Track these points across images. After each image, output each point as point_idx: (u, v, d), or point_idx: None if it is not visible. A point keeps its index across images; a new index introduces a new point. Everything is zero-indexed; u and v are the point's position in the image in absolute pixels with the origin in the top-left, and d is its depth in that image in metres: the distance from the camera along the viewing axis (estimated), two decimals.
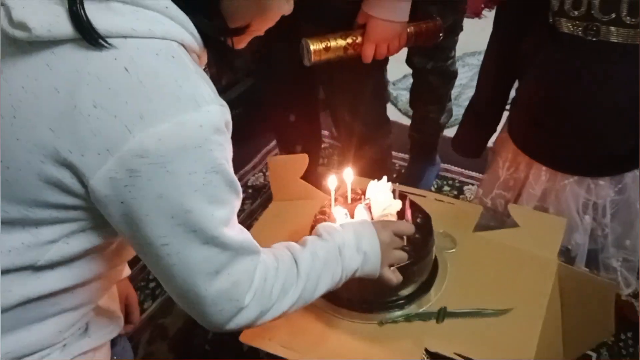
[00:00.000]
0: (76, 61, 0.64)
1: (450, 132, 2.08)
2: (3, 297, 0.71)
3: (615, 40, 1.07)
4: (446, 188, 2.15)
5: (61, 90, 0.64)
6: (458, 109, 2.18)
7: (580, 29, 1.09)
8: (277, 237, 1.18)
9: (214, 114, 0.67)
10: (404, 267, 0.99)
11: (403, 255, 0.97)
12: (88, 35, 0.63)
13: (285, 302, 0.81)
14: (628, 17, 1.05)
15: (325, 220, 1.05)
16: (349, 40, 1.33)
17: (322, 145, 2.21)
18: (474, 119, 1.43)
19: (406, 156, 2.21)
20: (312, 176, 1.36)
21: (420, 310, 1.03)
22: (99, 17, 0.64)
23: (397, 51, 1.40)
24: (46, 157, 0.65)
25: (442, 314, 1.01)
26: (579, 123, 1.19)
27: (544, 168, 1.29)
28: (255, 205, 2.18)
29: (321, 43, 1.30)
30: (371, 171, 1.67)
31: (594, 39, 1.09)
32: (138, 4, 0.66)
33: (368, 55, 1.35)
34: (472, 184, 2.13)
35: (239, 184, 0.73)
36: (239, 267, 0.74)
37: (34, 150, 0.65)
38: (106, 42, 0.63)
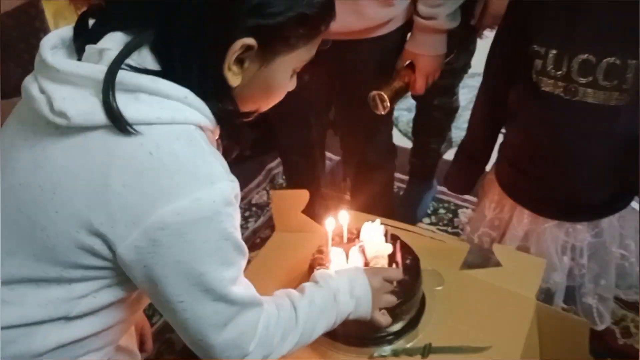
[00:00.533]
0: (108, 145, 0.73)
1: (449, 155, 2.17)
2: (40, 344, 0.80)
3: (592, 101, 1.15)
4: (441, 211, 2.22)
5: (95, 171, 0.73)
6: (456, 131, 2.25)
7: (560, 89, 1.17)
8: (279, 268, 1.30)
9: (225, 190, 0.76)
10: (393, 305, 1.07)
11: (392, 299, 1.06)
12: (118, 124, 0.72)
13: (286, 346, 0.91)
14: (604, 81, 1.13)
15: (322, 259, 1.16)
16: (406, 80, 1.49)
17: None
18: (464, 159, 1.51)
19: (404, 177, 2.26)
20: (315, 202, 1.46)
21: (408, 345, 1.11)
22: (128, 107, 0.73)
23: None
24: (81, 227, 0.74)
25: (427, 350, 1.09)
26: (558, 173, 1.27)
27: (526, 211, 1.37)
28: (258, 223, 2.24)
29: (388, 90, 1.45)
30: (375, 197, 1.78)
31: (573, 99, 1.17)
32: (161, 94, 0.74)
33: (422, 88, 1.51)
34: (467, 207, 2.19)
35: (245, 247, 0.83)
36: (245, 319, 0.84)
37: (71, 221, 0.74)
38: (134, 129, 0.72)
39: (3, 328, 0.78)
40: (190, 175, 0.74)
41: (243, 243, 0.82)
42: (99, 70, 0.73)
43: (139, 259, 0.74)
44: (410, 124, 2.24)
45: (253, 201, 2.34)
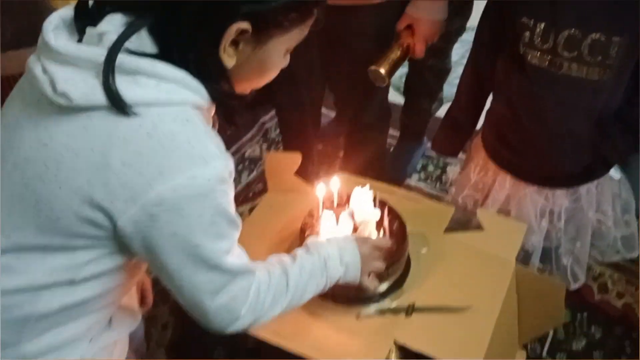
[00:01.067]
0: (108, 126, 0.77)
1: (440, 112, 2.17)
2: (45, 307, 0.86)
3: (576, 75, 1.19)
4: (430, 167, 2.27)
5: (96, 150, 0.77)
6: (447, 87, 2.24)
7: (546, 62, 1.21)
8: (271, 228, 1.35)
9: (219, 168, 0.80)
10: (381, 271, 1.13)
11: (380, 265, 1.12)
12: (117, 105, 0.75)
13: (276, 309, 0.97)
14: (589, 56, 1.16)
15: (313, 223, 1.21)
16: (405, 46, 1.49)
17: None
18: (451, 124, 1.55)
19: (395, 133, 2.27)
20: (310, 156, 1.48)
21: (393, 305, 1.17)
22: (127, 89, 0.76)
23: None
24: (83, 202, 0.78)
25: (410, 309, 1.15)
26: (540, 143, 1.32)
27: (508, 176, 1.43)
28: (251, 177, 2.27)
29: (386, 64, 1.46)
30: (367, 157, 1.82)
31: (558, 72, 1.20)
32: (159, 77, 0.77)
33: (422, 51, 1.51)
34: (455, 164, 2.24)
35: (239, 220, 0.88)
36: (237, 286, 0.90)
37: (74, 197, 0.78)
38: (132, 110, 0.76)
39: (11, 293, 0.83)
40: (186, 155, 0.77)
41: (236, 217, 0.87)
42: (99, 54, 0.76)
43: (137, 232, 0.79)
44: (403, 79, 2.25)
45: (246, 155, 2.36)
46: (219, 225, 0.83)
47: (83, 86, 0.76)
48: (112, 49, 0.76)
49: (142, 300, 1.22)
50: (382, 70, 1.46)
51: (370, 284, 1.12)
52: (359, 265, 1.07)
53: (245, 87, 0.91)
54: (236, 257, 0.89)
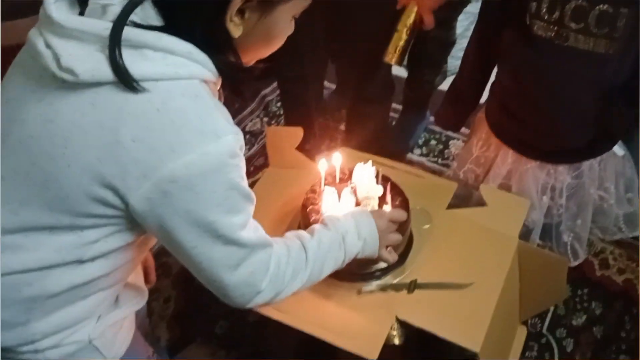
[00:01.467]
0: (116, 101, 0.75)
1: (443, 86, 2.13)
2: (55, 285, 0.85)
3: (582, 47, 1.17)
4: (433, 142, 2.25)
5: (105, 126, 0.75)
6: (451, 60, 2.20)
7: (552, 33, 1.19)
8: (272, 203, 1.34)
9: (230, 143, 0.79)
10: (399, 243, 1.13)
11: (397, 237, 1.12)
12: (125, 81, 0.74)
13: (296, 284, 0.97)
14: (595, 28, 1.14)
15: (315, 198, 1.20)
16: (409, 25, 1.45)
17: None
18: (455, 97, 1.53)
19: (398, 106, 2.26)
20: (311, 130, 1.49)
21: (395, 281, 1.17)
22: (134, 63, 0.74)
23: None
24: (93, 180, 0.77)
25: (412, 286, 1.15)
26: (543, 117, 1.31)
27: (510, 151, 1.41)
28: (253, 150, 2.26)
29: (395, 51, 1.45)
30: (369, 131, 1.80)
31: (564, 44, 1.18)
32: (166, 50, 0.76)
33: (431, 21, 1.46)
34: (457, 139, 2.22)
35: (252, 194, 0.87)
36: (255, 259, 0.89)
37: (83, 175, 0.77)
38: (140, 86, 0.74)
39: (19, 272, 0.83)
40: (197, 131, 0.76)
41: (250, 190, 0.86)
42: (104, 27, 0.74)
43: (151, 209, 0.78)
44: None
45: (247, 128, 2.35)
46: (233, 199, 0.82)
47: (89, 61, 0.74)
48: (117, 22, 0.74)
49: (146, 277, 1.20)
50: (393, 62, 1.46)
51: (389, 256, 1.12)
52: (377, 240, 1.06)
53: (252, 57, 0.90)
54: (252, 230, 0.89)
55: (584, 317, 1.69)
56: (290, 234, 1.02)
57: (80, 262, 0.85)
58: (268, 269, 0.91)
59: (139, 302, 1.06)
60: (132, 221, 0.82)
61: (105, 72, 0.74)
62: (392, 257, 1.12)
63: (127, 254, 0.91)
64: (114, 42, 0.73)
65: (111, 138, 0.75)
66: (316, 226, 1.04)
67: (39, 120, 0.79)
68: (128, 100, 0.75)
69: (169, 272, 1.81)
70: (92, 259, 0.85)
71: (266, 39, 0.88)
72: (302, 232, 1.03)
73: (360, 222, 1.05)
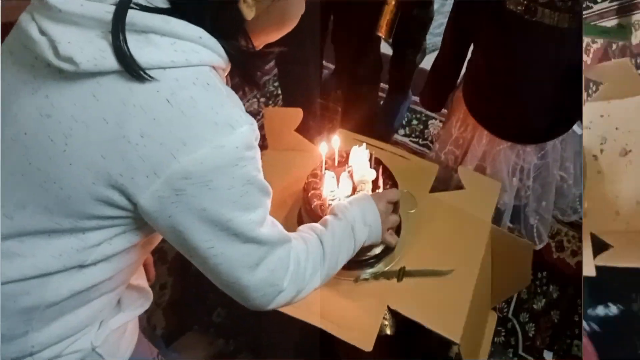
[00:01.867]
0: (121, 92, 0.68)
1: (424, 64, 2.15)
2: (54, 294, 0.78)
3: (548, 22, 1.22)
4: (414, 122, 2.31)
5: (109, 120, 0.68)
6: (429, 37, 2.17)
7: (522, 7, 1.23)
8: (273, 188, 1.30)
9: (246, 134, 0.72)
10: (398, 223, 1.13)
11: (396, 218, 1.11)
12: (131, 69, 0.67)
13: (316, 280, 0.92)
14: (560, 2, 1.20)
15: (316, 182, 1.20)
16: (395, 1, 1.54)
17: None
18: (437, 77, 1.58)
19: (384, 85, 2.29)
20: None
21: (386, 268, 1.17)
22: (140, 50, 0.67)
23: None
24: (98, 179, 0.70)
25: (401, 273, 1.15)
26: (511, 96, 1.37)
27: (485, 132, 1.47)
28: None
29: (385, 24, 1.55)
30: (362, 112, 1.88)
31: (532, 19, 1.23)
32: (174, 35, 0.69)
33: None
34: (435, 119, 2.28)
35: (269, 187, 0.81)
36: (275, 257, 0.83)
37: (86, 174, 0.70)
38: (148, 75, 0.67)
39: (16, 281, 0.76)
40: (210, 123, 0.69)
41: (267, 184, 0.80)
42: (105, 10, 0.67)
43: (162, 209, 0.71)
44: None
45: (244, 109, 2.34)
46: (250, 195, 0.76)
47: (90, 48, 0.67)
48: (120, 4, 0.67)
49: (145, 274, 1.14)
50: (384, 34, 1.55)
51: (391, 239, 1.11)
52: (380, 224, 1.04)
53: (262, 41, 0.84)
54: (270, 226, 0.83)
55: (544, 300, 1.72)
56: (304, 227, 0.98)
57: (82, 266, 0.78)
58: (288, 266, 0.86)
59: (143, 304, 0.99)
60: (139, 221, 0.76)
61: (108, 60, 0.67)
62: (394, 239, 1.11)
63: (131, 256, 0.84)
64: (118, 27, 0.66)
65: (116, 133, 0.68)
66: (328, 217, 1.01)
67: (34, 116, 0.71)
68: (134, 90, 0.68)
69: (164, 258, 1.76)
70: (95, 263, 0.78)
71: (280, 21, 0.82)
72: (315, 225, 0.98)
73: (365, 209, 1.02)
